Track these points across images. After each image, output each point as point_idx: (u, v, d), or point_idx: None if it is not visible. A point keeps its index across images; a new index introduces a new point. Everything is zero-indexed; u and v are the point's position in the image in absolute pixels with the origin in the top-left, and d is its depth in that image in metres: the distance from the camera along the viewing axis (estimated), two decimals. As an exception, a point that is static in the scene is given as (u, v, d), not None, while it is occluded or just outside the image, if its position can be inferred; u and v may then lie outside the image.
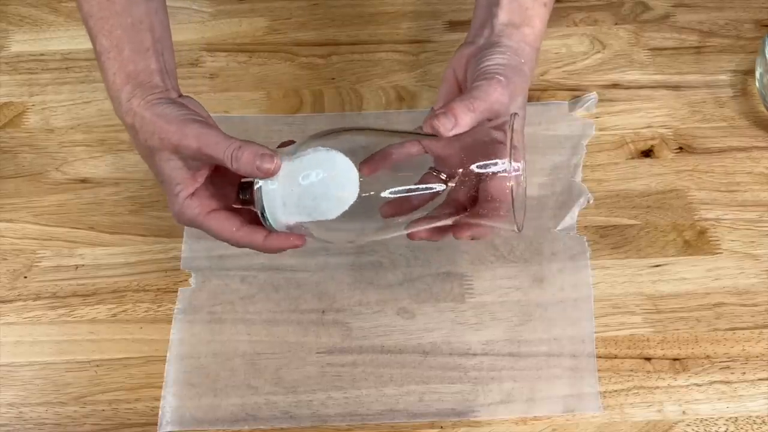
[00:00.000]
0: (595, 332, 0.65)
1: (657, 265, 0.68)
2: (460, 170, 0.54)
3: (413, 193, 0.54)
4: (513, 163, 0.51)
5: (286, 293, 0.68)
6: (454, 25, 0.85)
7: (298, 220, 0.54)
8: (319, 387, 0.63)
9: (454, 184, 0.54)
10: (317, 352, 0.65)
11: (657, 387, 0.62)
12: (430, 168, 0.56)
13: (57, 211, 0.73)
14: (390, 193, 0.53)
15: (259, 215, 0.55)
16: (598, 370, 0.63)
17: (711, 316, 0.66)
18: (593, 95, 0.79)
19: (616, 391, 0.62)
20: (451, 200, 0.55)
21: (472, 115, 0.54)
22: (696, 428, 0.61)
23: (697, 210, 0.71)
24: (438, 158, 0.56)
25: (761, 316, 0.66)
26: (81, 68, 0.83)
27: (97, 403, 0.63)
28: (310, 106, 0.80)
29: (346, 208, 0.53)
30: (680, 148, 0.76)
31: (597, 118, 0.78)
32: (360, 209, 0.53)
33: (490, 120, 0.56)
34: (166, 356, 0.65)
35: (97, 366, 0.65)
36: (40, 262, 0.70)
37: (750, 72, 0.80)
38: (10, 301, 0.68)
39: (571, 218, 0.71)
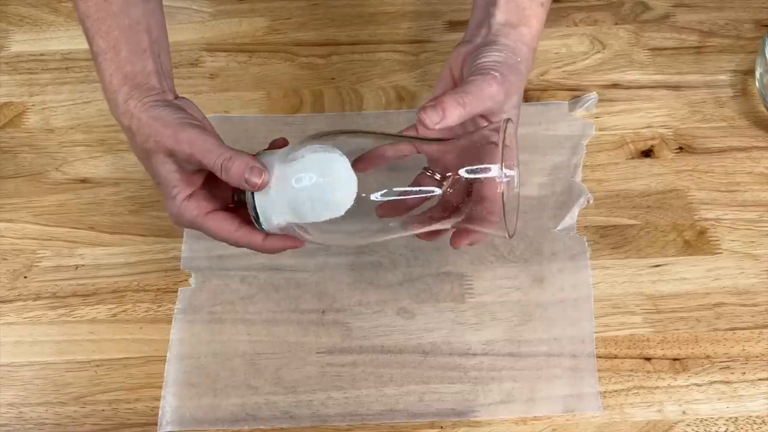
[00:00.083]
0: (595, 332, 0.65)
1: (657, 265, 0.68)
2: (453, 172, 0.53)
3: (408, 195, 0.54)
4: (504, 170, 0.51)
5: (286, 293, 0.68)
6: (454, 25, 0.85)
7: (291, 221, 0.54)
8: (319, 387, 0.63)
9: (447, 186, 0.54)
10: (317, 352, 0.65)
11: (657, 387, 0.62)
12: (424, 168, 0.55)
13: (57, 211, 0.73)
14: (383, 194, 0.53)
15: (252, 217, 0.55)
16: (598, 370, 0.63)
17: (711, 316, 0.66)
18: (593, 95, 0.79)
19: (616, 391, 0.62)
20: (444, 201, 0.55)
21: (461, 109, 0.53)
22: (696, 428, 0.61)
23: (697, 210, 0.71)
24: (432, 159, 0.56)
25: (761, 316, 0.66)
26: (81, 68, 0.83)
27: (97, 403, 0.63)
28: (310, 106, 0.80)
29: (342, 212, 0.53)
30: (680, 148, 0.76)
31: (597, 118, 0.78)
32: (353, 212, 0.53)
33: (483, 116, 0.56)
34: (166, 356, 0.65)
35: (97, 366, 0.65)
36: (40, 262, 0.70)
37: (750, 72, 0.80)
38: (10, 301, 0.68)
39: (571, 218, 0.71)
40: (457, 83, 0.60)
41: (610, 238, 0.70)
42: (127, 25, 0.57)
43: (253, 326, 0.66)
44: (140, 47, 0.58)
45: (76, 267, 0.70)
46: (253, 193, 0.54)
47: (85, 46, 0.59)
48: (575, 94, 0.79)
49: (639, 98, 0.79)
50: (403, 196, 0.54)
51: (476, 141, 0.54)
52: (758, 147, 0.75)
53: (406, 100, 0.80)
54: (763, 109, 0.77)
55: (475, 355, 0.64)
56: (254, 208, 0.54)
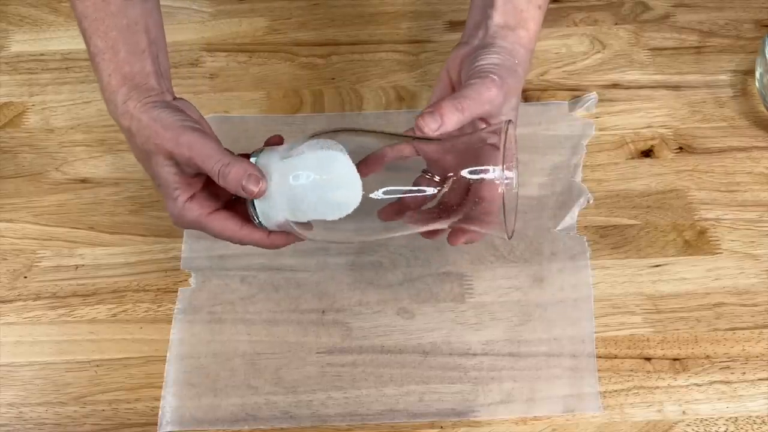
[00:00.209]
0: (595, 332, 0.65)
1: (657, 265, 0.68)
2: (453, 174, 0.53)
3: (407, 195, 0.54)
4: (505, 172, 0.51)
5: (286, 293, 0.68)
6: (454, 25, 0.85)
7: (290, 219, 0.54)
8: (319, 387, 0.63)
9: (446, 188, 0.54)
10: (317, 352, 0.65)
11: (657, 387, 0.62)
12: (423, 171, 0.55)
13: (57, 211, 0.73)
14: (385, 193, 0.53)
15: (250, 215, 0.55)
16: (598, 370, 0.63)
17: (711, 316, 0.66)
18: (593, 95, 0.79)
19: (616, 391, 0.62)
20: (443, 203, 0.54)
21: (460, 115, 0.53)
22: (696, 428, 0.61)
23: (697, 210, 0.71)
24: (431, 161, 0.56)
25: (761, 316, 0.66)
26: (81, 68, 0.83)
27: (97, 403, 0.63)
28: (310, 106, 0.80)
29: (349, 212, 0.52)
30: (680, 148, 0.76)
31: (597, 118, 0.78)
32: (354, 211, 0.53)
33: (482, 119, 0.56)
34: (166, 356, 0.65)
35: (97, 366, 0.65)
36: (40, 262, 0.70)
37: (750, 72, 0.80)
38: (10, 301, 0.68)
39: (571, 218, 0.71)
40: (455, 85, 0.60)
41: (610, 238, 0.70)
42: (126, 25, 0.57)
43: (253, 326, 0.66)
44: (139, 47, 0.57)
45: (76, 267, 0.70)
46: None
47: (84, 44, 0.59)
48: (575, 94, 0.79)
49: (639, 98, 0.79)
50: (405, 194, 0.54)
51: (476, 143, 0.54)
52: (758, 147, 0.75)
53: (406, 100, 0.80)
54: (763, 109, 0.77)
55: (475, 355, 0.64)
56: (253, 206, 0.54)
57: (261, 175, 0.53)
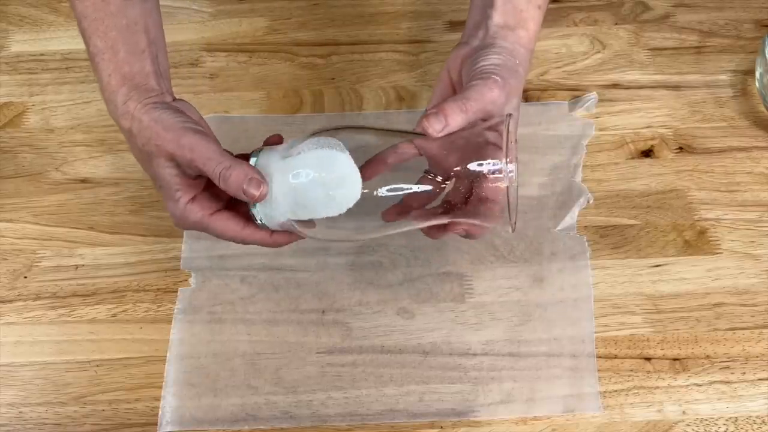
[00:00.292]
0: (595, 332, 0.65)
1: (657, 265, 0.68)
2: (455, 171, 0.53)
3: (411, 193, 0.54)
4: (508, 164, 0.51)
5: (286, 293, 0.68)
6: (454, 25, 0.85)
7: (292, 219, 0.54)
8: (319, 387, 0.63)
9: (449, 186, 0.54)
10: (317, 352, 0.65)
11: (657, 387, 0.62)
12: (425, 171, 0.55)
13: (57, 211, 0.73)
14: (387, 191, 0.53)
15: (252, 215, 0.55)
16: (598, 370, 0.63)
17: (711, 316, 0.66)
18: (593, 95, 0.79)
19: (616, 391, 0.62)
20: (446, 201, 0.54)
21: (464, 115, 0.53)
22: (696, 428, 0.61)
23: (697, 210, 0.71)
24: (433, 160, 0.56)
25: (761, 316, 0.66)
26: (81, 68, 0.83)
27: (97, 403, 0.63)
28: (310, 106, 0.80)
29: (345, 209, 0.53)
30: (680, 148, 0.76)
31: (597, 118, 0.78)
32: (356, 208, 0.53)
33: (483, 120, 0.56)
34: (166, 356, 0.65)
35: (97, 366, 0.65)
36: (40, 262, 0.70)
37: (750, 72, 0.80)
38: (10, 301, 0.68)
39: (571, 218, 0.71)
40: (456, 86, 0.60)
41: (610, 238, 0.70)
42: (125, 26, 0.57)
43: (253, 326, 0.66)
44: (138, 48, 0.57)
45: (76, 267, 0.70)
46: None
47: (84, 44, 0.59)
48: (575, 94, 0.79)
49: (639, 98, 0.79)
50: (407, 191, 0.54)
51: (478, 137, 0.54)
52: (758, 147, 0.75)
53: (406, 100, 0.80)
54: (763, 109, 0.77)
55: (475, 355, 0.64)
56: (254, 206, 0.54)
57: (262, 179, 0.53)
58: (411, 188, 0.54)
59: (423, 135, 0.54)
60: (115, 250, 0.71)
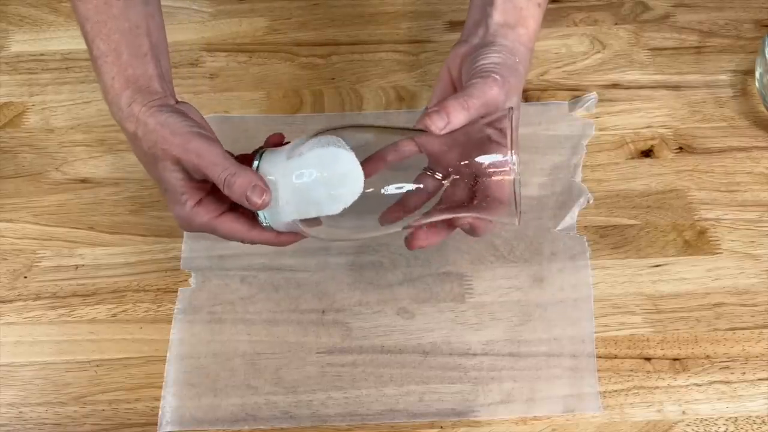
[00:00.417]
0: (595, 332, 0.65)
1: (657, 265, 0.68)
2: (459, 166, 0.54)
3: (415, 191, 0.54)
4: (513, 156, 0.51)
5: (286, 293, 0.68)
6: (454, 25, 0.85)
7: (296, 219, 0.54)
8: (319, 387, 0.63)
9: (449, 182, 0.54)
10: (317, 352, 0.65)
11: (657, 387, 0.62)
12: (425, 168, 0.55)
13: (57, 211, 0.73)
14: (390, 188, 0.53)
15: (257, 217, 0.55)
16: (598, 370, 0.63)
17: (711, 316, 0.66)
18: (593, 95, 0.79)
19: (616, 391, 0.62)
20: (447, 198, 0.55)
21: (466, 113, 0.54)
22: (696, 428, 0.61)
23: (697, 210, 0.71)
24: (434, 156, 0.56)
25: (761, 316, 0.66)
26: (81, 68, 0.83)
27: (97, 403, 0.63)
28: (310, 106, 0.80)
29: (348, 204, 0.53)
30: (680, 148, 0.76)
31: (597, 118, 0.78)
32: (359, 208, 0.53)
33: (483, 119, 0.56)
34: (166, 356, 0.65)
35: (97, 366, 0.65)
36: (40, 262, 0.70)
37: (750, 72, 0.80)
38: (10, 301, 0.68)
39: (571, 218, 0.71)
40: (456, 84, 0.60)
41: (610, 238, 0.70)
42: (128, 29, 0.57)
43: (253, 326, 0.66)
44: (141, 51, 0.57)
45: (76, 267, 0.70)
46: None
47: (86, 46, 0.59)
48: (575, 94, 0.79)
49: (639, 98, 0.79)
50: (411, 187, 0.54)
51: (479, 134, 0.54)
52: (758, 147, 0.75)
53: (406, 100, 0.80)
54: (763, 109, 0.77)
55: (475, 355, 0.64)
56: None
57: (265, 187, 0.53)
58: (414, 185, 0.54)
59: (425, 132, 0.54)
60: (115, 250, 0.71)
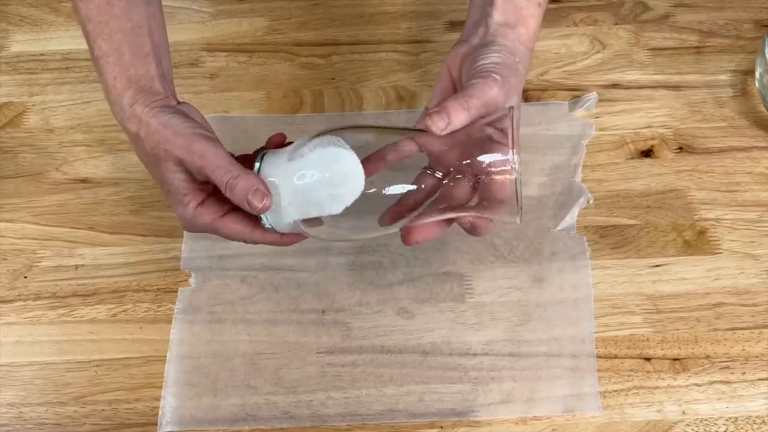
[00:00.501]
0: (595, 332, 0.65)
1: (657, 265, 0.68)
2: (460, 165, 0.54)
3: (416, 190, 0.54)
4: (514, 155, 0.51)
5: (286, 293, 0.68)
6: (454, 25, 0.85)
7: (298, 220, 0.54)
8: (319, 387, 0.63)
9: (450, 181, 0.54)
10: (317, 352, 0.65)
11: (657, 387, 0.62)
12: (425, 168, 0.55)
13: (57, 211, 0.73)
14: (391, 187, 0.54)
15: (259, 218, 0.55)
16: (598, 370, 0.63)
17: (711, 316, 0.66)
18: (593, 95, 0.79)
19: (616, 391, 0.62)
20: (447, 197, 0.54)
21: (467, 113, 0.54)
22: (696, 428, 0.61)
23: (697, 210, 0.71)
24: (434, 156, 0.56)
25: (761, 316, 0.66)
26: (81, 68, 0.83)
27: (97, 403, 0.63)
28: (310, 106, 0.80)
29: (349, 203, 0.53)
30: (680, 148, 0.76)
31: (597, 118, 0.78)
32: (360, 207, 0.53)
33: (483, 119, 0.56)
34: (166, 356, 0.65)
35: (97, 366, 0.65)
36: (40, 262, 0.70)
37: (750, 72, 0.80)
38: (10, 301, 0.68)
39: (571, 218, 0.71)
40: (456, 83, 0.60)
41: (610, 238, 0.70)
42: (130, 29, 0.57)
43: (253, 326, 0.66)
44: (143, 51, 0.57)
45: (76, 267, 0.70)
46: None
47: (86, 46, 0.59)
48: (575, 94, 0.79)
49: (639, 98, 0.79)
50: (412, 186, 0.54)
51: (479, 134, 0.54)
52: (758, 147, 0.75)
53: (406, 100, 0.80)
54: (763, 109, 0.77)
55: (475, 355, 0.64)
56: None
57: (266, 191, 0.53)
58: (415, 184, 0.54)
59: (425, 132, 0.54)
60: (115, 250, 0.71)
